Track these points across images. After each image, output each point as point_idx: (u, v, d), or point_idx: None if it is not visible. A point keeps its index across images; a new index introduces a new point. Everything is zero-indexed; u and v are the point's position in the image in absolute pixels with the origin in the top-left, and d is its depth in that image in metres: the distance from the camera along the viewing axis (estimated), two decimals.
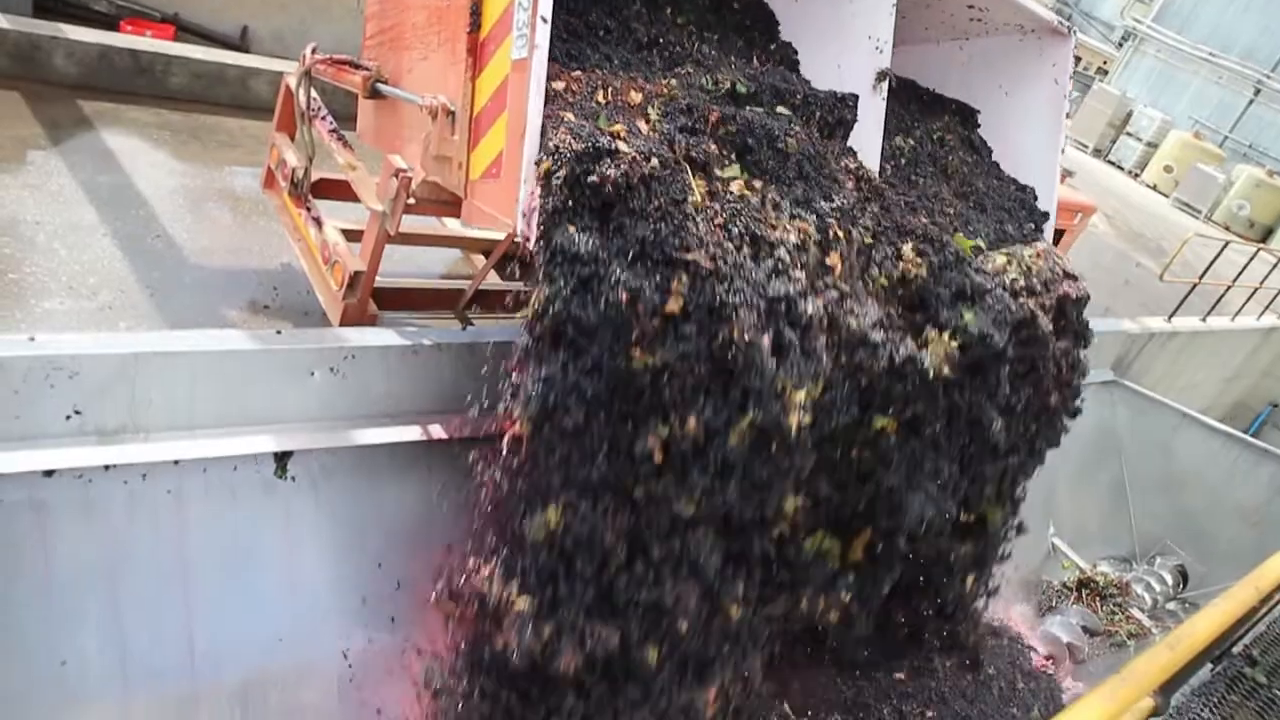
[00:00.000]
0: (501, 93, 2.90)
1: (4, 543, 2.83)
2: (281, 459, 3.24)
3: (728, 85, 3.50)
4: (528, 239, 2.81)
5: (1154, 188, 20.37)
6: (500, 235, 4.38)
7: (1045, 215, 4.72)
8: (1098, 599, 6.61)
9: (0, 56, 6.06)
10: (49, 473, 2.85)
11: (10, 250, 4.57)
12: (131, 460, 2.97)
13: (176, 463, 3.05)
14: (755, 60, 4.01)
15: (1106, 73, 26.08)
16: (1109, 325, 7.91)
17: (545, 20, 2.73)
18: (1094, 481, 7.68)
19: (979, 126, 5.03)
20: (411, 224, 3.91)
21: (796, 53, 4.23)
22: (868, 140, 3.86)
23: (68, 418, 2.89)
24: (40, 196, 5.04)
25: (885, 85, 3.79)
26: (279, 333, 3.25)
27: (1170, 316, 8.89)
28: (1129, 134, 21.46)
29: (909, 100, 4.86)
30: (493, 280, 4.23)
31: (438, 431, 3.52)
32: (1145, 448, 7.78)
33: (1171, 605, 6.98)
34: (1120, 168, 21.30)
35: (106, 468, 2.93)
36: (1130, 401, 7.86)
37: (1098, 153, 21.59)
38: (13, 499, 2.81)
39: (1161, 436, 7.71)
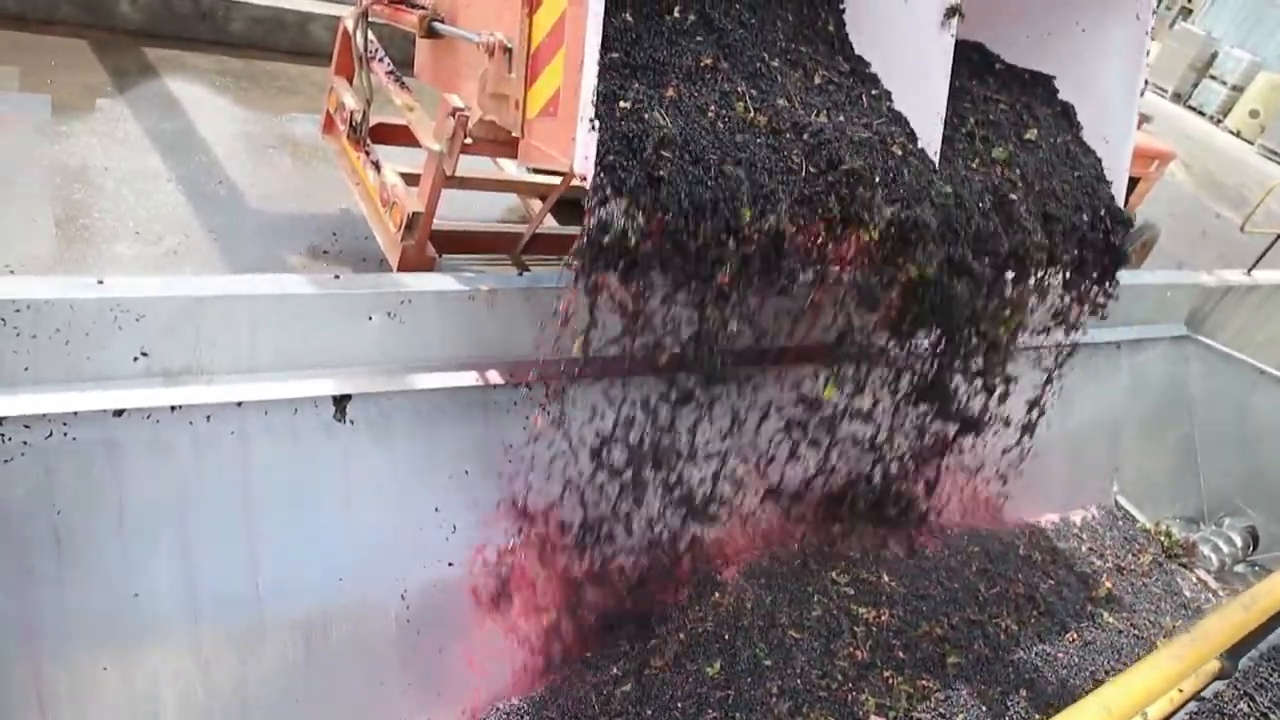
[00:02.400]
0: (559, 28, 2.84)
1: (80, 480, 2.92)
2: (340, 402, 3.29)
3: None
4: (584, 177, 2.78)
5: (1238, 134, 19.43)
6: (557, 180, 4.35)
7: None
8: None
9: (67, 5, 6.15)
10: (119, 412, 2.93)
11: (81, 196, 4.68)
12: (196, 401, 3.03)
13: (239, 405, 3.11)
14: None
15: (1190, 12, 24.76)
16: (1183, 278, 7.61)
17: None
18: (1162, 439, 7.46)
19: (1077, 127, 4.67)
20: (469, 168, 3.89)
21: None
22: (931, 90, 3.65)
23: (135, 359, 2.96)
24: (108, 143, 5.14)
25: (955, 22, 3.58)
26: (337, 277, 3.27)
27: (1250, 269, 8.51)
28: (1212, 77, 20.42)
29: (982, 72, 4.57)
30: (550, 225, 4.21)
31: (495, 377, 3.54)
32: (1218, 405, 7.51)
33: (1240, 568, 6.79)
34: (1201, 113, 20.33)
35: (173, 408, 3.00)
36: (1204, 357, 7.58)
37: (1177, 97, 20.61)
38: (86, 437, 2.89)
39: (1236, 393, 7.43)
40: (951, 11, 3.55)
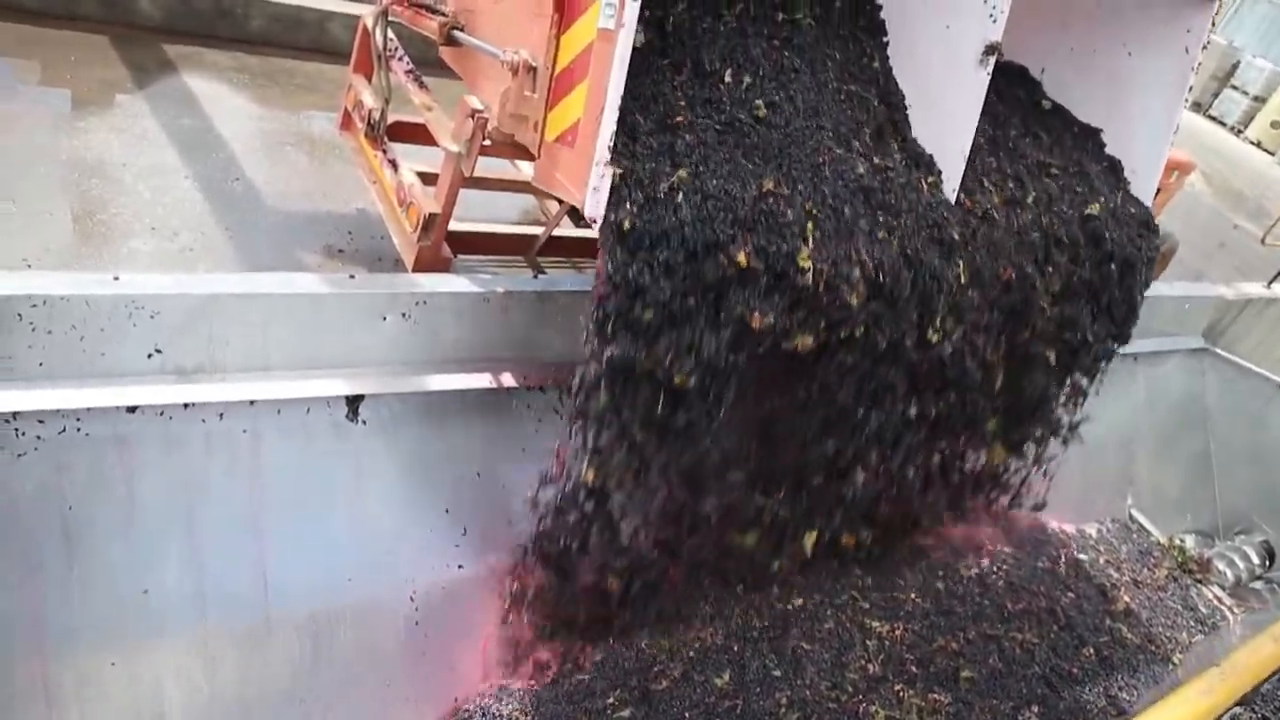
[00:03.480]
0: (585, 57, 2.79)
1: (91, 475, 2.92)
2: (353, 402, 3.28)
3: None
4: (594, 220, 2.78)
5: (1258, 145, 19.27)
6: None
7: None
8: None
9: (89, 1, 6.17)
10: (132, 409, 2.92)
11: (99, 192, 4.69)
12: (209, 399, 3.03)
13: (252, 403, 3.10)
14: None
15: (1213, 23, 24.56)
16: (1202, 290, 7.54)
17: None
18: (1177, 452, 7.39)
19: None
20: (486, 169, 3.88)
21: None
22: (959, 125, 3.56)
23: (149, 356, 2.95)
24: (126, 139, 5.16)
25: (992, 60, 3.47)
26: (352, 277, 3.26)
27: (1271, 282, 8.42)
28: (1233, 87, 20.26)
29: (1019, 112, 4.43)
30: (566, 227, 4.20)
31: (508, 379, 3.52)
32: (1235, 419, 7.44)
33: (1256, 584, 6.71)
34: (1222, 123, 20.17)
35: (186, 405, 3.00)
36: (1221, 370, 7.51)
37: (1197, 106, 20.45)
38: (99, 433, 2.89)
39: (1254, 408, 7.35)
40: (991, 50, 3.46)
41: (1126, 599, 5.28)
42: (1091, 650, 4.63)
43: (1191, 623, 5.43)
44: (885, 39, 3.81)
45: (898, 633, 4.21)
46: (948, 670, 4.14)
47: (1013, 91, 4.52)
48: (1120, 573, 5.68)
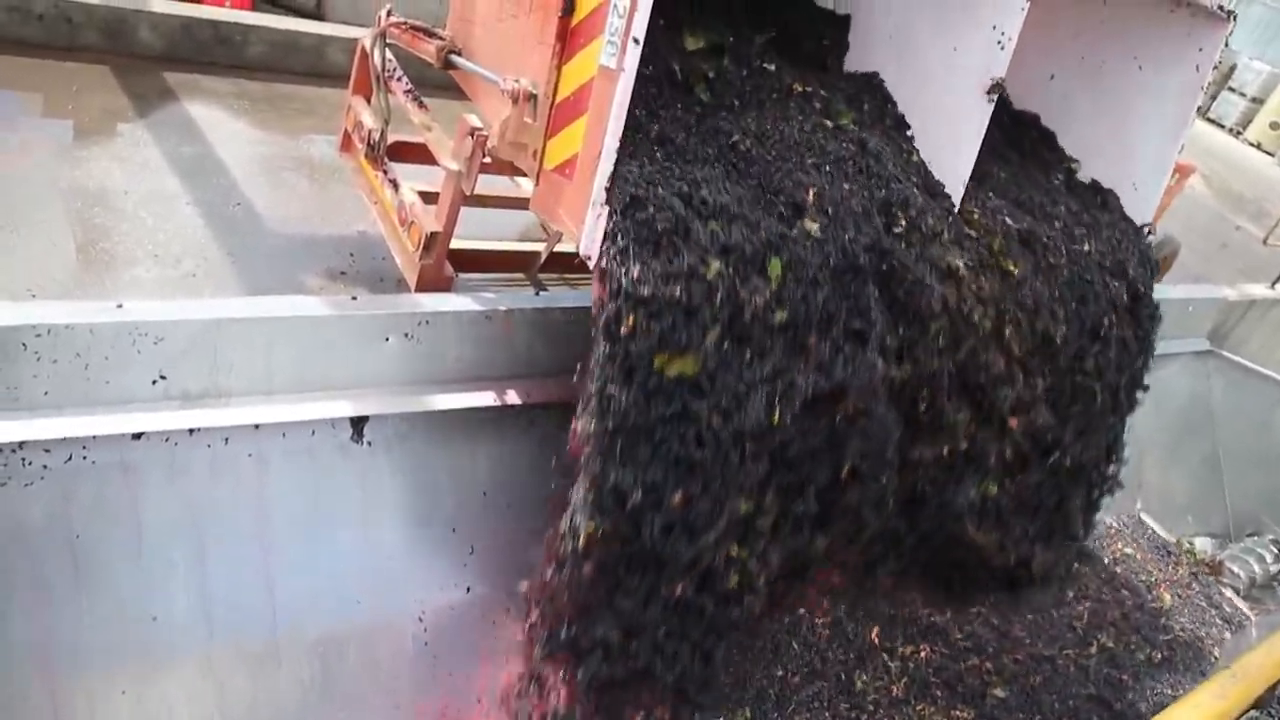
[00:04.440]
0: (585, 92, 2.80)
1: (97, 502, 2.93)
2: (358, 424, 3.28)
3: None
4: (589, 258, 2.80)
5: (1258, 146, 19.28)
6: None
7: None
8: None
9: (90, 31, 6.22)
10: (137, 435, 2.93)
11: (101, 220, 4.71)
12: (214, 424, 3.04)
13: (257, 427, 3.11)
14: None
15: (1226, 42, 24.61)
16: (1205, 292, 7.53)
17: (637, 42, 2.60)
18: (1185, 455, 7.37)
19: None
20: (487, 187, 3.89)
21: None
22: (960, 153, 3.57)
23: (153, 382, 2.96)
24: (128, 167, 5.19)
25: (995, 99, 3.46)
26: (354, 298, 3.27)
27: (1274, 283, 8.41)
28: (1231, 89, 20.30)
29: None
30: (567, 243, 4.19)
31: (512, 397, 3.52)
32: (1242, 420, 7.41)
33: (1272, 585, 6.67)
34: (1221, 125, 20.19)
35: (191, 431, 3.01)
36: (1226, 372, 7.49)
37: (1196, 109, 20.49)
38: (104, 460, 2.90)
39: (1260, 410, 7.33)
40: (995, 88, 3.45)
41: (1168, 596, 5.28)
42: (1150, 652, 4.62)
43: (1219, 620, 5.42)
44: (910, 132, 3.84)
45: (923, 654, 4.18)
46: (976, 689, 4.11)
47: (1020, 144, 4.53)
48: (1149, 573, 5.68)
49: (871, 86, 3.86)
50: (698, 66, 3.27)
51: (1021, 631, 4.48)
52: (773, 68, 3.46)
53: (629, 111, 2.72)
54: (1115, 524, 6.26)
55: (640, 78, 2.75)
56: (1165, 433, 6.85)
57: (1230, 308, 7.63)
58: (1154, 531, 6.55)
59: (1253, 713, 3.15)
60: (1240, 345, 7.83)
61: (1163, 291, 6.34)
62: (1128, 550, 5.78)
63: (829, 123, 3.46)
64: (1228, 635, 5.22)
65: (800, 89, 3.54)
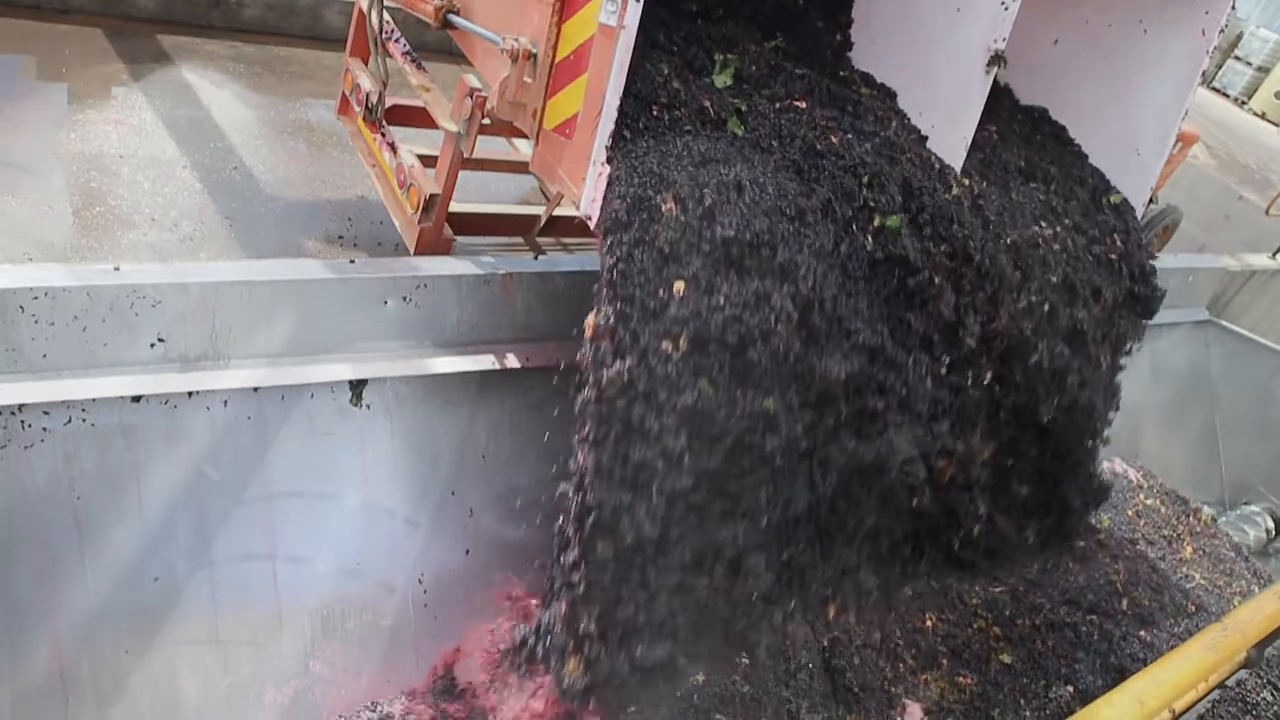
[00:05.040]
0: (585, 50, 2.77)
1: (99, 466, 2.94)
2: (357, 387, 3.28)
3: None
4: (589, 218, 2.78)
5: (1262, 116, 19.15)
6: None
7: None
8: None
9: None
10: (136, 398, 2.93)
11: (97, 184, 4.69)
12: (213, 387, 3.04)
13: (255, 390, 3.11)
14: None
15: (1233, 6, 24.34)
16: (1206, 261, 7.51)
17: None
18: (1182, 425, 7.38)
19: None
20: (486, 150, 3.87)
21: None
22: (959, 129, 3.55)
23: (152, 345, 2.96)
24: (124, 131, 5.15)
25: (995, 71, 3.45)
26: (352, 262, 3.26)
27: (1276, 253, 8.39)
28: (1237, 57, 20.11)
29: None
30: (567, 207, 4.18)
31: (512, 361, 3.52)
32: (1240, 390, 7.41)
33: (1266, 552, 6.72)
34: (1225, 94, 20.04)
35: (190, 394, 3.01)
36: (1226, 342, 7.48)
37: (1201, 78, 20.32)
38: (104, 423, 2.90)
39: (1259, 379, 7.33)
40: (995, 60, 3.45)
41: (1190, 547, 5.34)
42: (1177, 594, 4.67)
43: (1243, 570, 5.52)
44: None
45: (929, 623, 4.22)
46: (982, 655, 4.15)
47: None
48: (1173, 526, 5.75)
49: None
50: (729, 102, 3.26)
51: (1041, 598, 4.52)
52: (803, 105, 3.44)
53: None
54: (1135, 478, 6.31)
55: (670, 113, 2.82)
56: (1164, 402, 6.87)
57: (1231, 278, 7.61)
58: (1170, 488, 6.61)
59: (1241, 673, 3.19)
60: (1240, 315, 7.82)
61: (1163, 261, 6.32)
62: (1149, 502, 5.84)
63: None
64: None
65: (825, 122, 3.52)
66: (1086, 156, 4.54)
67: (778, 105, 3.34)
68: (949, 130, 3.64)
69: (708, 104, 3.13)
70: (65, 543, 2.92)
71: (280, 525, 3.26)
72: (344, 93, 4.37)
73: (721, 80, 3.36)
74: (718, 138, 3.04)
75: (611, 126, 2.71)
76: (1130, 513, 5.71)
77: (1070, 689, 4.09)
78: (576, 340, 2.90)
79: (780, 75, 3.57)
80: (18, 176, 4.54)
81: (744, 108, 3.23)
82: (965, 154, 3.63)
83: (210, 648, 3.19)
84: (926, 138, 3.70)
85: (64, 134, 4.94)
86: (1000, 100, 4.55)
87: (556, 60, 2.90)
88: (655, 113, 3.00)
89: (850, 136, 3.28)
